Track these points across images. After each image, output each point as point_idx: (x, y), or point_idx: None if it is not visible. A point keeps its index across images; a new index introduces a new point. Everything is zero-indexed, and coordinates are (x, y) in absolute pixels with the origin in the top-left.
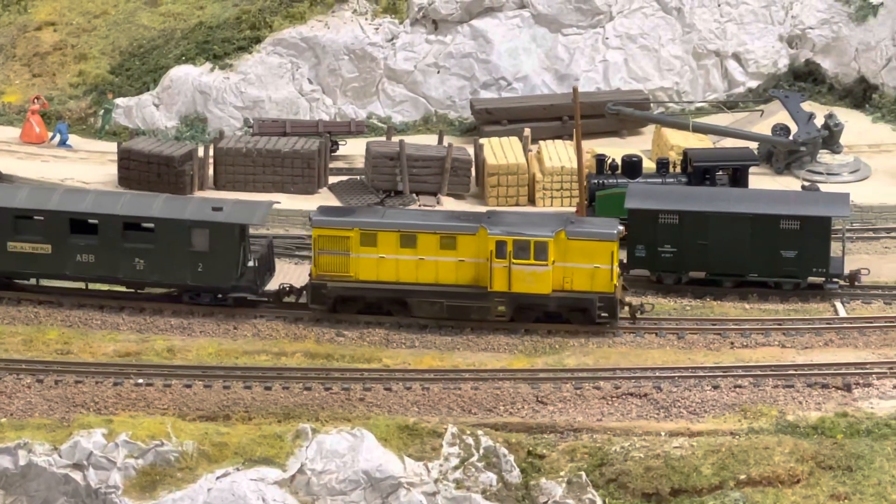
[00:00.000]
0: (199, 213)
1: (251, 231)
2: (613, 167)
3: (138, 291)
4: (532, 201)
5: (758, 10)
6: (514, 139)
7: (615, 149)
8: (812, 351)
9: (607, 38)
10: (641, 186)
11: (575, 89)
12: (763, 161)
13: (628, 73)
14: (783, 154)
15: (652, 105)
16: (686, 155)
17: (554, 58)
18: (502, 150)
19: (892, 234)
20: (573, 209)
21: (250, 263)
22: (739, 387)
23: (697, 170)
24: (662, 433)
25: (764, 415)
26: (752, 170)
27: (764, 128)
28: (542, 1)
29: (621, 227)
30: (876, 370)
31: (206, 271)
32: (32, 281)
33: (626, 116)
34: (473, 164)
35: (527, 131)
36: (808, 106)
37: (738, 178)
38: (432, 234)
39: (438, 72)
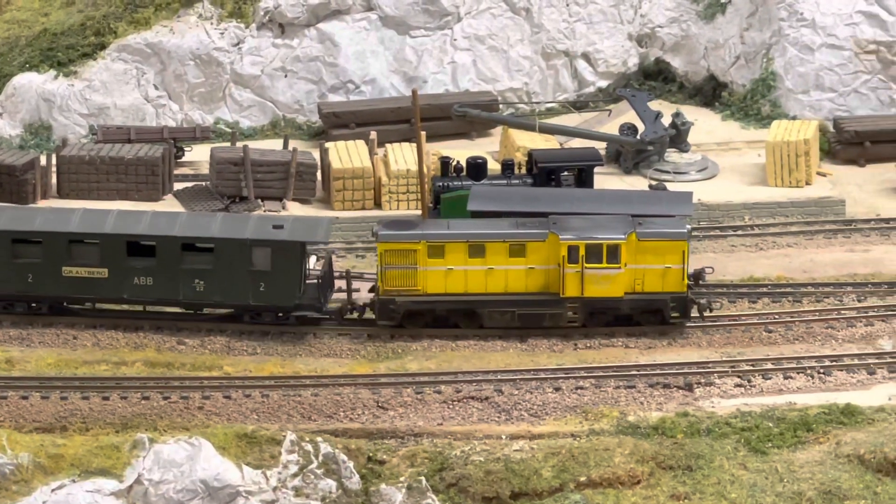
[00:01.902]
0: (260, 231)
1: None
2: (458, 169)
3: (197, 313)
4: (378, 205)
5: (607, 9)
6: (361, 143)
7: (463, 150)
8: (655, 351)
9: (455, 40)
10: (484, 188)
11: (414, 92)
12: (612, 161)
13: (477, 74)
14: (631, 153)
15: (501, 106)
16: (531, 156)
17: (402, 60)
18: (348, 154)
19: (739, 233)
20: (419, 212)
21: (313, 280)
22: (581, 388)
23: (542, 171)
24: (503, 436)
25: (605, 416)
26: (601, 169)
27: (612, 127)
28: (389, 3)
29: (690, 226)
30: (718, 369)
31: (269, 290)
32: (87, 305)
33: (473, 118)
34: (319, 168)
35: (373, 135)
36: (658, 104)
37: (584, 178)
38: (501, 243)
39: (286, 76)
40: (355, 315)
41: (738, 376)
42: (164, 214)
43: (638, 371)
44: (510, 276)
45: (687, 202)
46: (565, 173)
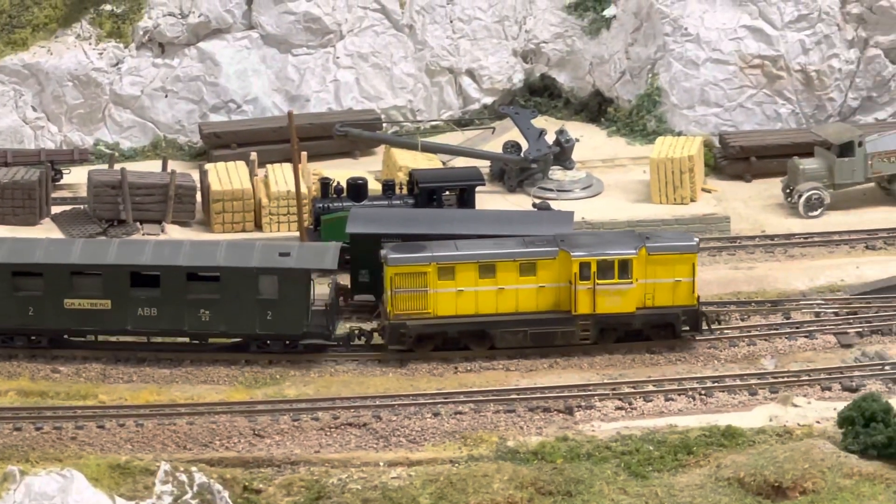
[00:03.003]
0: (267, 259)
1: None
2: (339, 190)
3: (202, 343)
4: (259, 227)
5: (491, 25)
6: (241, 163)
7: (347, 170)
8: (536, 373)
9: (338, 58)
10: (364, 210)
11: (290, 114)
12: (496, 179)
13: (360, 92)
14: (515, 171)
15: (385, 125)
16: (412, 176)
17: (284, 79)
18: (227, 176)
19: None
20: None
21: (320, 307)
22: (460, 413)
23: (423, 191)
24: (381, 463)
25: (484, 441)
26: (485, 188)
27: (497, 145)
28: (270, 21)
29: (698, 238)
30: (599, 392)
31: (276, 319)
32: (90, 337)
33: (355, 137)
34: (198, 190)
35: (253, 155)
36: (544, 121)
37: (465, 198)
38: (512, 262)
39: (166, 96)
40: (363, 341)
41: (619, 399)
42: (168, 243)
43: (518, 395)
44: (521, 295)
45: (567, 222)
46: (447, 193)
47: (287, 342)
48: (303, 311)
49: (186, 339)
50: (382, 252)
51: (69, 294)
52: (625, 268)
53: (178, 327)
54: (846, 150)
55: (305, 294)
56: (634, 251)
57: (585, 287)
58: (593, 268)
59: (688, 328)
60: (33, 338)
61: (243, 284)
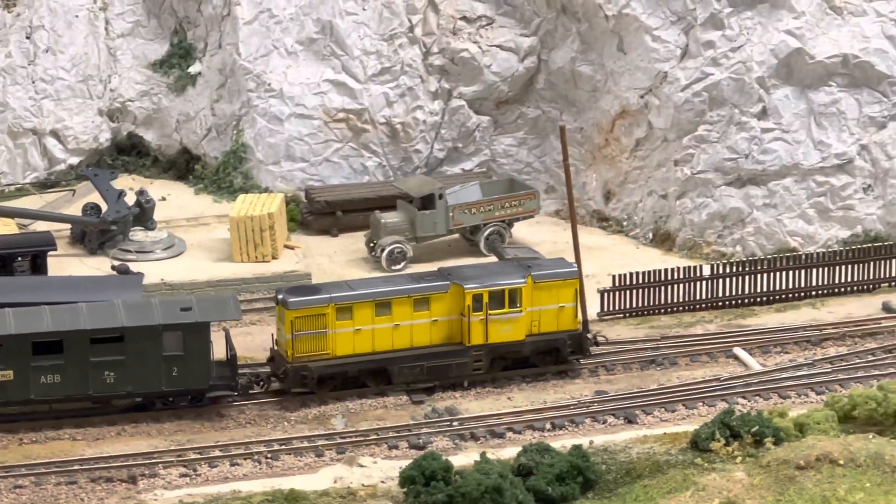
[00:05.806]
0: (169, 315)
1: None
2: None
3: (105, 405)
4: None
5: (75, 85)
6: None
7: None
8: (104, 442)
9: None
10: None
11: None
12: (77, 242)
13: None
14: (95, 234)
15: None
16: None
17: None
18: None
19: None
20: None
21: (222, 358)
22: (20, 487)
23: None
24: None
25: None
26: (67, 251)
27: (80, 208)
28: None
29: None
30: (164, 459)
31: (182, 374)
32: None
33: None
34: None
35: None
36: (132, 180)
37: (39, 264)
38: (406, 298)
39: None
40: (262, 388)
41: (184, 465)
42: (66, 308)
43: (81, 465)
44: (415, 330)
45: (136, 285)
46: (19, 259)
47: (192, 397)
48: (208, 365)
49: (90, 404)
50: (280, 296)
51: None
52: (515, 297)
53: (82, 392)
54: (427, 202)
55: (209, 347)
56: (524, 280)
57: (478, 318)
58: (485, 299)
59: (572, 352)
60: None
61: (148, 342)
